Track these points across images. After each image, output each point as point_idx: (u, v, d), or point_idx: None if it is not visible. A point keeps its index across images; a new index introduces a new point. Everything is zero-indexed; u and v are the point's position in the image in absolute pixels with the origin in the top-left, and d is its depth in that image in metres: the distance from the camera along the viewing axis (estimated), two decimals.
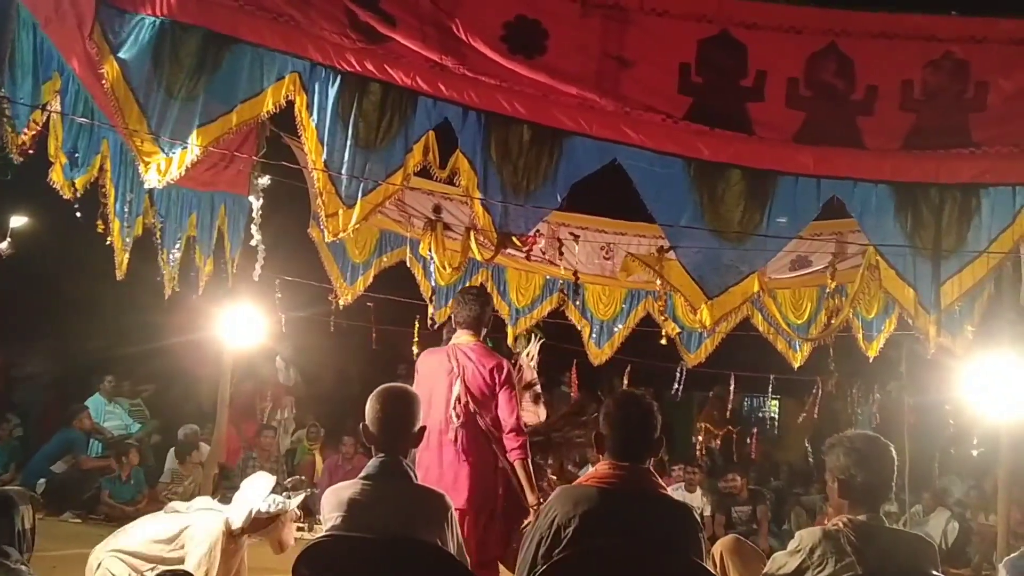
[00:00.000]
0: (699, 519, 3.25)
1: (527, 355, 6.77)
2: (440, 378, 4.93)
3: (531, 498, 4.86)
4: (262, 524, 4.65)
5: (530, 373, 6.62)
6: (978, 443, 9.39)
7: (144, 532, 4.58)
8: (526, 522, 4.89)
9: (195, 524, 4.53)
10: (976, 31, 4.36)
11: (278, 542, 4.77)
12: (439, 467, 4.75)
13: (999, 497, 5.24)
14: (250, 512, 4.59)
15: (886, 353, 8.37)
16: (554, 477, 5.61)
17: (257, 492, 4.68)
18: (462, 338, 5.14)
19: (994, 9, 4.51)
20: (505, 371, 4.98)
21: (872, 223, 4.64)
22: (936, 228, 4.50)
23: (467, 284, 8.40)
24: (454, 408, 4.87)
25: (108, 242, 6.46)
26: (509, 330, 8.89)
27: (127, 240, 6.49)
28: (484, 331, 5.23)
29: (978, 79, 4.36)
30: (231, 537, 4.57)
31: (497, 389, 4.94)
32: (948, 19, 4.41)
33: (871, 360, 8.35)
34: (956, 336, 6.14)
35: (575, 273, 7.37)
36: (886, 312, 7.62)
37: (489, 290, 8.72)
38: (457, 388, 4.90)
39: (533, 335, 7.38)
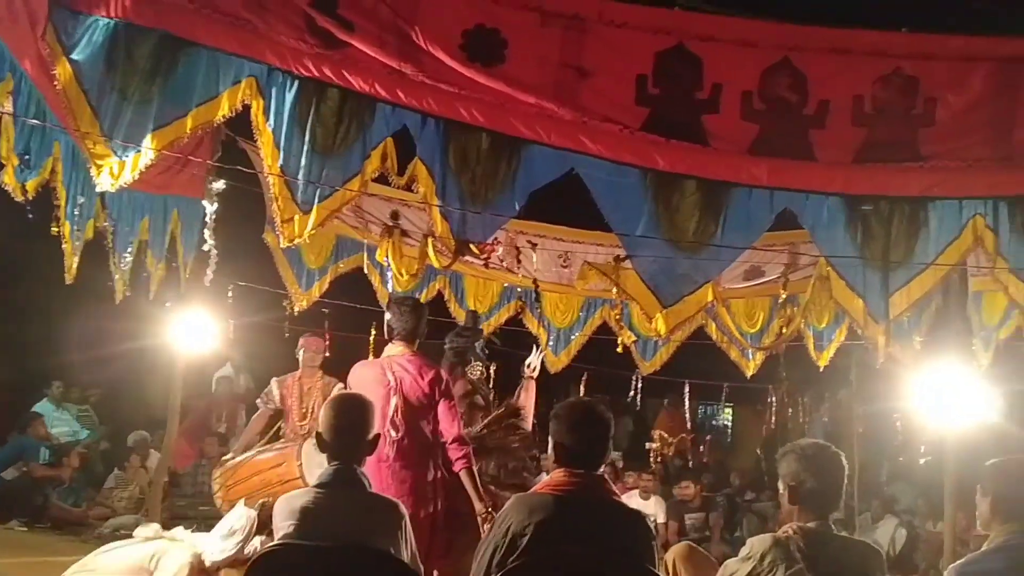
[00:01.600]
0: (652, 526, 3.27)
1: (528, 366, 6.75)
2: (374, 391, 4.68)
3: (479, 506, 4.77)
4: (241, 563, 4.51)
5: (532, 387, 6.60)
6: (925, 451, 9.55)
7: (109, 560, 4.44)
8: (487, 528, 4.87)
9: (166, 555, 4.40)
10: (926, 48, 4.47)
11: None
12: (378, 481, 4.59)
13: (946, 505, 5.32)
14: (235, 553, 4.47)
15: (837, 362, 8.48)
16: (492, 486, 5.58)
17: (244, 535, 4.52)
18: (397, 349, 4.95)
19: (944, 27, 4.62)
20: (444, 381, 4.87)
21: (823, 235, 4.72)
22: (885, 240, 4.59)
23: (424, 291, 8.41)
24: (392, 421, 4.72)
25: (63, 245, 6.36)
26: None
27: (77, 244, 6.38)
28: (419, 342, 5.06)
29: (927, 95, 4.46)
30: (203, 572, 4.44)
31: (436, 399, 4.82)
32: (899, 36, 4.51)
33: (822, 369, 8.46)
34: (904, 346, 6.25)
35: (535, 281, 7.38)
36: (837, 322, 7.71)
37: (447, 297, 8.71)
38: (395, 401, 4.74)
39: (535, 346, 7.36)
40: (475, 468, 4.87)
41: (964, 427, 5.08)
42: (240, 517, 4.57)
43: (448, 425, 4.83)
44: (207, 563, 4.45)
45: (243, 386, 10.87)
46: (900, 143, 4.49)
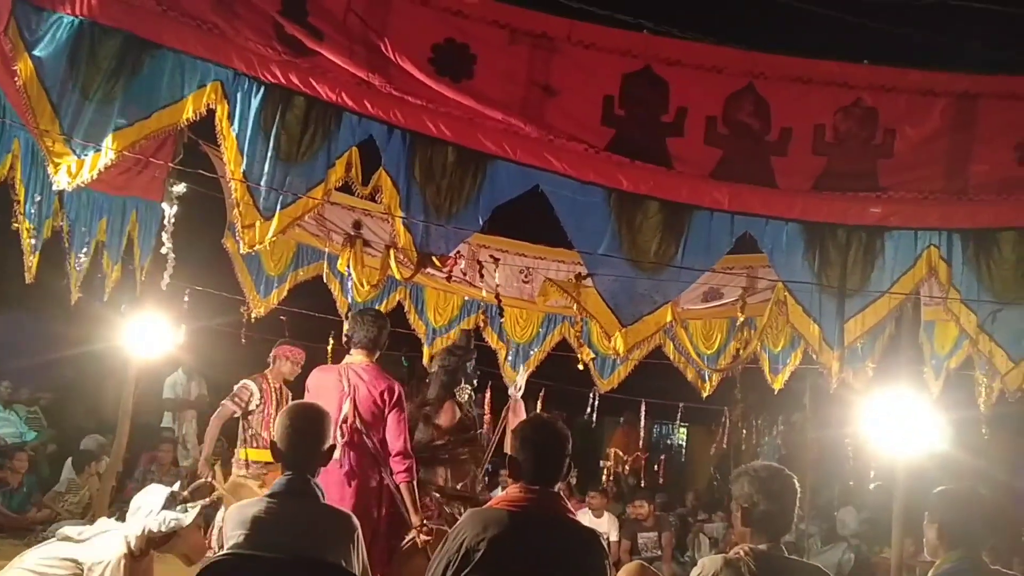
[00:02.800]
0: (606, 544, 3.28)
1: (514, 385, 6.74)
2: (330, 396, 4.89)
3: (415, 519, 4.91)
4: (159, 542, 4.42)
5: (520, 407, 6.61)
6: (875, 476, 9.67)
7: (39, 557, 4.32)
8: (407, 538, 5.00)
9: (95, 549, 4.30)
10: (886, 80, 4.56)
11: (184, 556, 4.55)
12: (324, 486, 4.68)
13: (893, 530, 5.39)
14: (143, 532, 4.35)
15: (791, 386, 8.59)
16: (436, 494, 5.62)
17: (149, 509, 4.44)
18: (356, 358, 5.15)
19: (904, 60, 4.72)
20: (396, 393, 5.02)
21: (782, 260, 4.78)
22: (842, 267, 4.66)
23: (384, 302, 8.38)
24: (341, 427, 4.86)
25: (23, 244, 6.23)
26: (425, 350, 8.86)
27: (36, 243, 6.27)
28: (378, 353, 5.24)
29: (886, 126, 4.55)
30: (134, 559, 4.34)
31: (387, 411, 4.97)
32: (860, 67, 4.60)
33: (776, 392, 8.55)
34: (857, 372, 6.35)
35: (498, 296, 7.39)
36: (792, 346, 7.82)
37: (407, 309, 8.69)
38: (346, 407, 4.91)
39: (521, 366, 7.37)
40: (415, 482, 5.00)
41: (913, 453, 5.16)
42: (153, 498, 4.43)
43: (394, 437, 4.97)
44: (133, 549, 4.31)
45: (194, 392, 10.67)
46: (859, 173, 4.57)
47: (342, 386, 4.97)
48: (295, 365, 6.87)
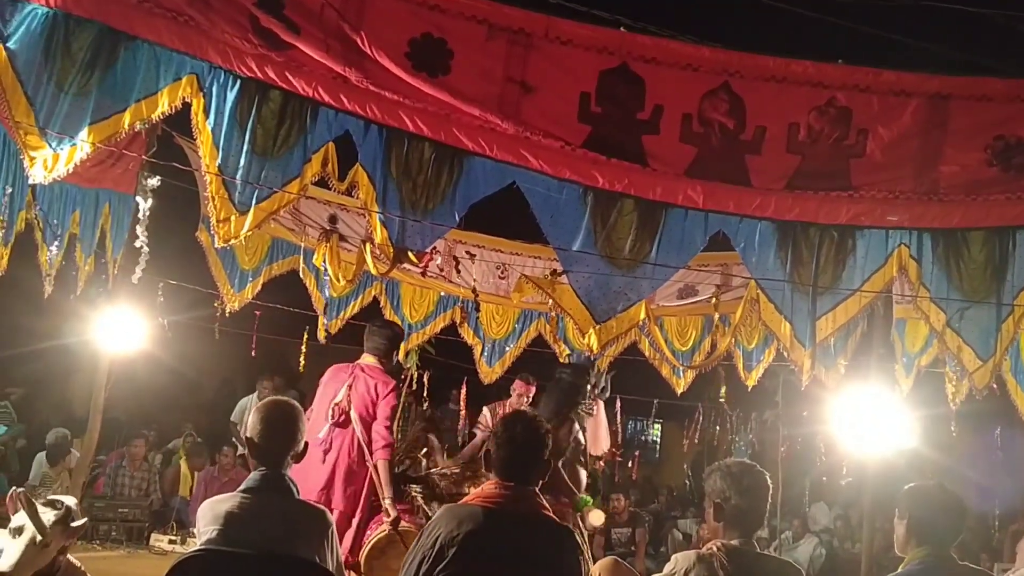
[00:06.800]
0: (580, 540, 3.29)
1: (595, 387, 6.75)
2: (336, 386, 5.42)
3: (387, 492, 5.16)
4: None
5: (599, 407, 6.68)
6: (847, 473, 9.77)
7: None
8: (380, 530, 5.16)
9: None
10: (860, 80, 4.60)
11: None
12: (302, 464, 4.71)
13: (864, 526, 5.46)
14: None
15: (764, 383, 8.64)
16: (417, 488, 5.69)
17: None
18: (367, 359, 5.59)
19: (877, 60, 4.76)
20: (390, 387, 5.41)
21: (754, 258, 4.81)
22: (814, 266, 4.71)
23: (359, 297, 8.36)
24: (332, 408, 5.31)
25: None
26: (400, 345, 8.84)
27: (6, 235, 6.19)
28: (391, 360, 5.71)
29: (859, 126, 4.59)
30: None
31: (378, 399, 5.34)
32: (834, 67, 4.64)
33: (750, 389, 8.61)
34: (829, 369, 6.40)
35: (475, 291, 7.39)
36: (765, 343, 7.87)
37: (382, 304, 8.67)
38: (342, 393, 5.35)
39: (601, 369, 7.42)
40: (392, 463, 5.34)
41: (884, 450, 5.22)
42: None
43: (380, 420, 5.33)
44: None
45: None
46: (832, 172, 4.62)
47: (346, 376, 5.46)
48: (520, 396, 7.10)
